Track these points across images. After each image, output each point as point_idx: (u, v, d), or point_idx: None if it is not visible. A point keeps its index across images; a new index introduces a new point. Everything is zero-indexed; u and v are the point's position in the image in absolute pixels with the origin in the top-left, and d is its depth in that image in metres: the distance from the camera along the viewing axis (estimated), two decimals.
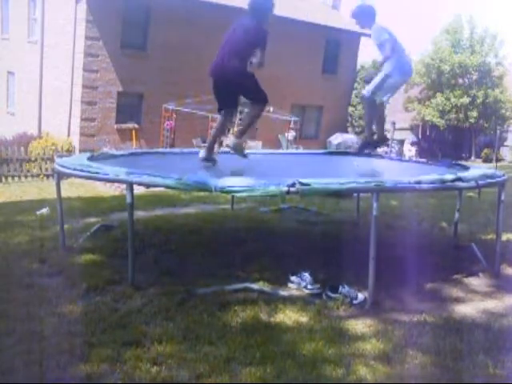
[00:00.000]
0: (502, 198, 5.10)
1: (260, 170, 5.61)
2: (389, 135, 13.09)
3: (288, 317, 3.96)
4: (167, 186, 4.67)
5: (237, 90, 5.32)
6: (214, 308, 4.01)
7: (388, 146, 20.47)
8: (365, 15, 5.71)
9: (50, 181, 14.33)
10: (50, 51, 17.94)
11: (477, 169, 5.77)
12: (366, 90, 5.83)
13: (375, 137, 6.36)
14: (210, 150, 5.59)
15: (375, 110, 5.98)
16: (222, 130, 6.00)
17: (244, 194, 4.28)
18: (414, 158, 15.55)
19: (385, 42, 5.53)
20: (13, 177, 15.51)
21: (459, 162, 6.62)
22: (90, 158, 5.50)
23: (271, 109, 19.26)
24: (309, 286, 4.50)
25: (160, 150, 11.66)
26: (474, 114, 26.45)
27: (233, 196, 6.91)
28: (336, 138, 21.74)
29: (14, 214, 7.54)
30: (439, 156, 24.20)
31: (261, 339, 3.52)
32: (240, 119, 18.22)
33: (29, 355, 3.21)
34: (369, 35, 6.17)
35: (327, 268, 4.94)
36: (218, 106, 5.50)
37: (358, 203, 7.43)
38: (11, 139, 17.02)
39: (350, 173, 6.14)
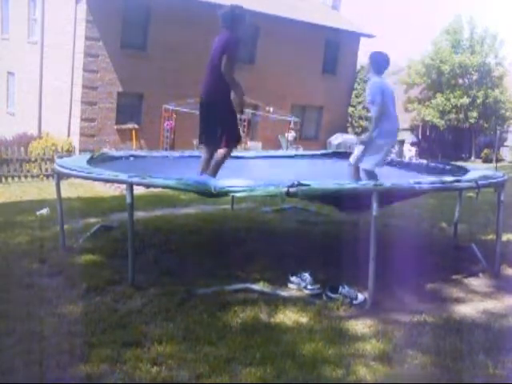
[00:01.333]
0: (502, 198, 5.10)
1: (260, 173, 5.56)
2: None
3: (288, 317, 3.96)
4: (167, 187, 4.67)
5: (216, 113, 5.01)
6: (214, 308, 4.01)
7: None
8: (377, 64, 5.52)
9: (50, 181, 14.32)
10: (50, 51, 17.94)
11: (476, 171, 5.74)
12: (352, 158, 5.64)
13: None
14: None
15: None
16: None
17: (244, 194, 4.28)
18: (414, 159, 15.53)
19: (376, 105, 5.36)
20: (13, 177, 15.50)
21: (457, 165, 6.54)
22: (90, 160, 5.49)
23: (271, 109, 19.28)
24: (309, 287, 4.50)
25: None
26: (474, 114, 26.48)
27: (233, 196, 6.91)
28: (336, 139, 21.75)
29: (14, 214, 7.54)
30: (439, 156, 24.21)
31: (261, 339, 3.52)
32: (244, 125, 18.14)
33: (29, 355, 3.21)
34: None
35: (327, 268, 4.94)
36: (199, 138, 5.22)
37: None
38: (11, 139, 17.02)
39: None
